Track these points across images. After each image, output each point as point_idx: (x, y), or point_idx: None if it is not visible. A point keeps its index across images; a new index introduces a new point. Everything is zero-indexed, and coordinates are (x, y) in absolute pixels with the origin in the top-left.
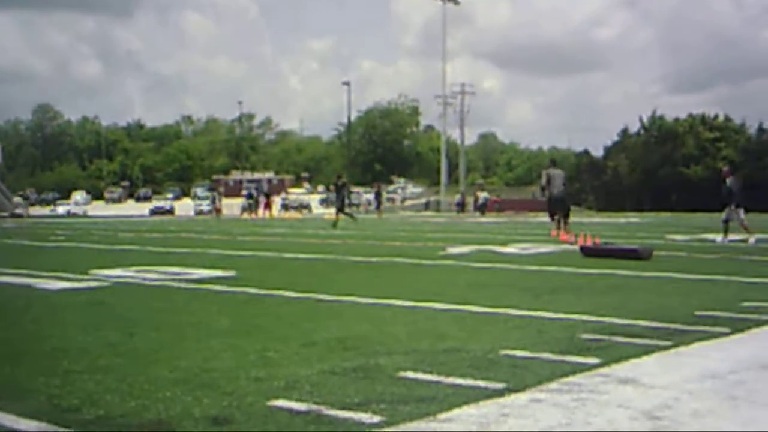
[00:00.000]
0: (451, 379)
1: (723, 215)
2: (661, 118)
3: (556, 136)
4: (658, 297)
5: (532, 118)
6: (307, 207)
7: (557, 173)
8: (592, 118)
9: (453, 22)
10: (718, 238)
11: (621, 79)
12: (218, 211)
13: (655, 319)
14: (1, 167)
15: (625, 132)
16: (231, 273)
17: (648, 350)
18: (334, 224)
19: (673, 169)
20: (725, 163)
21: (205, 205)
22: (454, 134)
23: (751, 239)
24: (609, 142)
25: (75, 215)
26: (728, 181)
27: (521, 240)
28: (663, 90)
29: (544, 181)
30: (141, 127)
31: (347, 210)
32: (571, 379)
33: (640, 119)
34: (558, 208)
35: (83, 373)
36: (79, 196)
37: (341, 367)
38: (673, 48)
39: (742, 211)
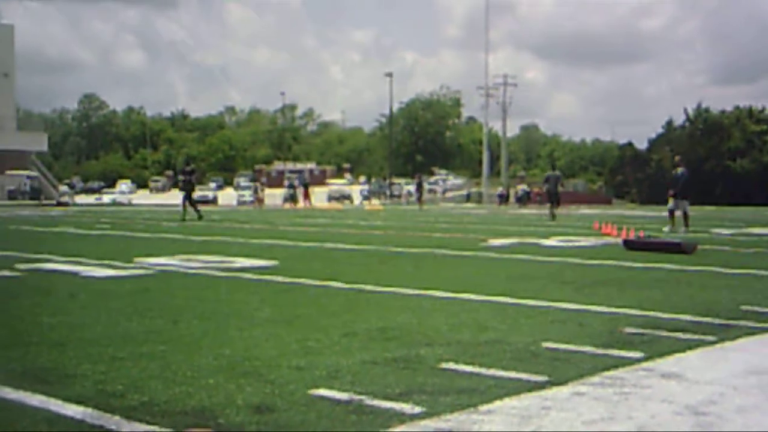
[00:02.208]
0: (492, 371)
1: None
2: (707, 110)
3: (599, 128)
4: (702, 291)
5: (575, 110)
6: (348, 198)
7: (553, 175)
8: (636, 110)
9: (496, 13)
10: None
11: (666, 70)
12: (260, 201)
13: (699, 313)
14: (47, 156)
15: (669, 124)
16: (273, 262)
17: (692, 345)
18: (183, 218)
19: (719, 162)
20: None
21: (247, 195)
22: (496, 126)
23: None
24: (653, 135)
25: (120, 204)
26: (679, 170)
27: (563, 233)
28: (709, 81)
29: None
30: (185, 117)
31: (197, 205)
32: (613, 372)
33: (686, 111)
34: (552, 201)
35: (128, 360)
36: (124, 185)
37: (382, 357)
38: (720, 39)
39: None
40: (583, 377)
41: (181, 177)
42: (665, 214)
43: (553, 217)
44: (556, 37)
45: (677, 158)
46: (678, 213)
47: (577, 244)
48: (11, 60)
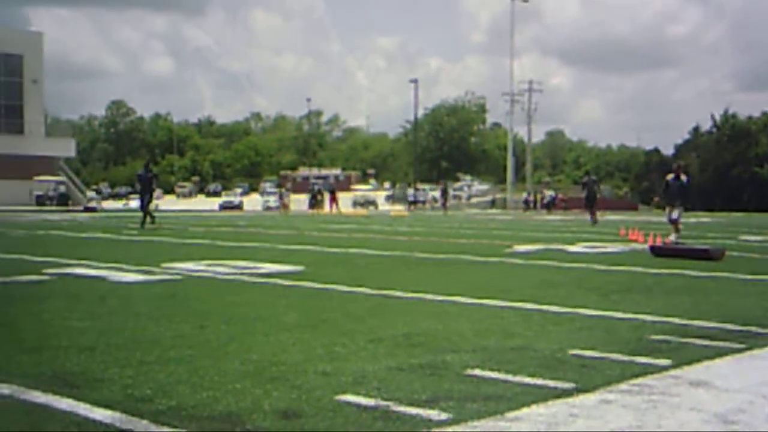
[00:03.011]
0: (518, 378)
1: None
2: (734, 116)
3: (625, 133)
4: (730, 298)
5: (601, 116)
6: (373, 203)
7: (591, 180)
8: (662, 115)
9: (521, 19)
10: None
11: (692, 76)
12: (286, 206)
13: (727, 320)
14: (75, 162)
15: (696, 130)
16: (299, 268)
17: (721, 352)
18: (143, 223)
19: (746, 168)
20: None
21: (272, 201)
22: (521, 132)
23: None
24: (680, 141)
25: None
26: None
27: (589, 239)
28: (736, 87)
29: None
30: (211, 123)
31: (154, 211)
32: (641, 380)
33: (712, 117)
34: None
35: (156, 364)
36: None
37: (408, 364)
38: (747, 44)
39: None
40: (611, 385)
41: (139, 183)
42: (692, 220)
43: (594, 221)
44: (582, 42)
45: (676, 165)
46: (673, 217)
47: (603, 250)
48: (40, 67)
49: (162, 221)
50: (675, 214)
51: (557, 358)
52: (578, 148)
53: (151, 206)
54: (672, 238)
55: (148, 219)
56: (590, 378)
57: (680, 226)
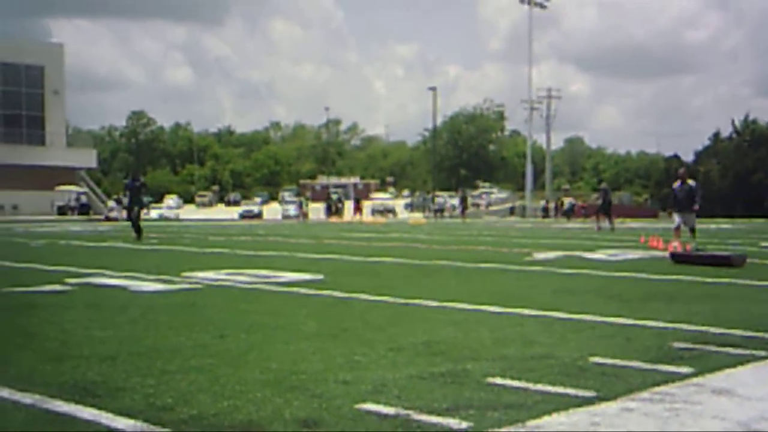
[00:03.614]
0: (539, 386)
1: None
2: (754, 121)
3: (645, 140)
4: (753, 305)
5: (620, 123)
6: (392, 211)
7: (606, 188)
8: (681, 122)
9: (539, 26)
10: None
11: (712, 81)
12: (305, 215)
13: (749, 328)
14: (96, 172)
15: (716, 136)
16: (318, 276)
17: (743, 360)
18: (139, 234)
19: (767, 175)
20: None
21: (292, 210)
22: (540, 139)
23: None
24: (700, 147)
25: (167, 219)
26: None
27: (609, 246)
28: (756, 93)
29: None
30: (231, 133)
31: (141, 219)
32: (663, 388)
33: (733, 123)
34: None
35: (176, 373)
36: (171, 200)
37: (428, 372)
38: (766, 50)
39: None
40: (633, 393)
41: (127, 192)
42: (713, 227)
43: (612, 228)
44: (600, 49)
45: (682, 170)
46: (684, 227)
47: (623, 257)
48: (61, 78)
49: (181, 230)
50: (687, 221)
51: (578, 366)
52: (597, 155)
53: (169, 214)
54: (693, 245)
55: (134, 233)
56: (611, 386)
57: (690, 233)
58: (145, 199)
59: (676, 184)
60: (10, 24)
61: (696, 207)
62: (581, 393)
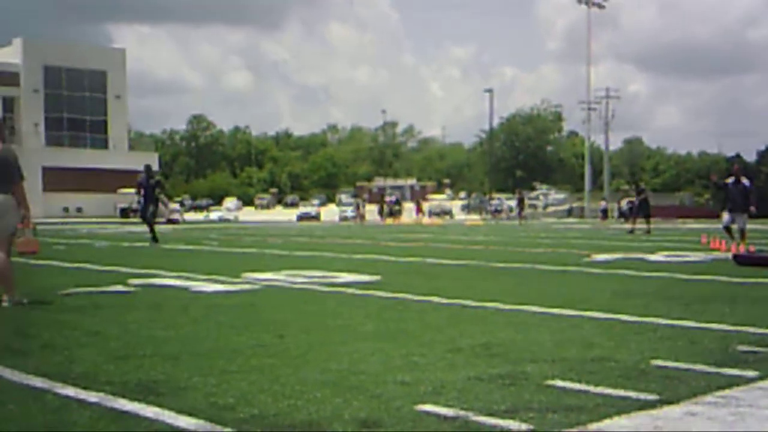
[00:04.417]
0: (600, 389)
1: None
2: None
3: (705, 140)
4: None
5: (680, 122)
6: (449, 213)
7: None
8: (744, 121)
9: (597, 25)
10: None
11: None
12: (362, 217)
13: None
14: (158, 175)
15: None
16: (376, 277)
17: None
18: (154, 237)
19: None
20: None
21: (349, 211)
22: (598, 140)
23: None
24: (762, 146)
25: (227, 221)
26: (745, 181)
27: (669, 247)
28: None
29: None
30: (289, 136)
31: (157, 220)
32: (727, 392)
33: None
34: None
35: (237, 373)
36: (230, 202)
37: (487, 374)
38: None
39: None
40: (696, 396)
41: (141, 191)
42: None
43: (648, 231)
44: (660, 48)
45: (736, 166)
46: (734, 227)
47: (684, 259)
48: (124, 83)
49: (240, 232)
50: (738, 222)
51: (639, 369)
52: (657, 155)
53: (229, 216)
54: (753, 248)
55: (153, 234)
56: (674, 389)
57: (739, 235)
58: (163, 198)
59: (729, 181)
60: (74, 30)
61: (753, 209)
62: (643, 396)
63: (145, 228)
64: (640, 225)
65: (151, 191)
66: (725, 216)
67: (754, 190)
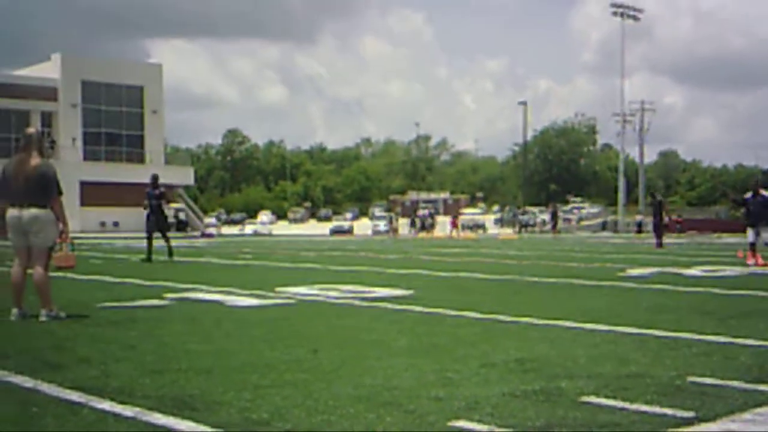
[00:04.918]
0: (635, 406)
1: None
2: None
3: (742, 152)
4: None
5: (716, 135)
6: (482, 226)
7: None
8: None
9: (632, 37)
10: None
11: None
12: (395, 230)
13: None
14: (193, 189)
15: None
16: (409, 292)
17: None
18: (170, 252)
19: None
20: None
21: (382, 225)
22: (633, 152)
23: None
24: None
25: (261, 234)
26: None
27: (705, 262)
28: None
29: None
30: (323, 150)
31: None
32: (765, 409)
33: None
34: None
35: (271, 388)
36: (264, 216)
37: (521, 390)
38: None
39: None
40: (733, 414)
41: (146, 202)
42: None
43: (660, 244)
44: (696, 59)
45: (754, 180)
46: (760, 241)
47: (720, 273)
48: (160, 97)
49: (274, 246)
50: (762, 235)
51: (675, 386)
52: (692, 168)
53: (263, 230)
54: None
55: (166, 254)
56: (711, 406)
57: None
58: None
59: (748, 195)
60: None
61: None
62: (679, 413)
63: (181, 242)
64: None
65: (156, 203)
66: (750, 232)
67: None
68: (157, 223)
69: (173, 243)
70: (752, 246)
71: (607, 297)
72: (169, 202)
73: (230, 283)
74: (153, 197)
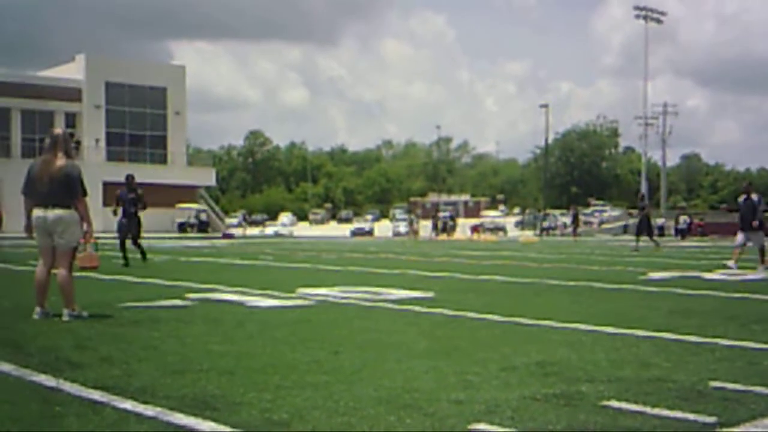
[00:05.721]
0: (657, 410)
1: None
2: None
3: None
4: None
5: (739, 138)
6: (503, 229)
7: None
8: None
9: (654, 40)
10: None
11: None
12: (416, 232)
13: None
14: (215, 190)
15: None
16: (429, 294)
17: None
18: (143, 255)
19: None
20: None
21: (402, 227)
22: (655, 156)
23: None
24: None
25: (282, 236)
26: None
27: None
28: None
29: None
30: (344, 151)
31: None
32: None
33: None
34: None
35: (292, 389)
36: (285, 217)
37: (542, 393)
38: None
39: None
40: (756, 419)
41: (115, 206)
42: None
43: (636, 249)
44: (719, 62)
45: (746, 183)
46: (750, 245)
47: (742, 277)
48: (183, 99)
49: (295, 247)
50: (754, 240)
51: (697, 391)
52: (715, 171)
53: (284, 231)
54: (760, 268)
55: (141, 257)
56: (734, 412)
57: (759, 254)
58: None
59: (741, 199)
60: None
61: (755, 223)
62: (701, 418)
63: (203, 242)
64: (644, 243)
65: (130, 206)
66: (739, 236)
67: (761, 206)
68: (130, 229)
69: (196, 243)
70: (737, 248)
71: (628, 300)
72: (145, 207)
73: (251, 284)
74: (127, 201)
